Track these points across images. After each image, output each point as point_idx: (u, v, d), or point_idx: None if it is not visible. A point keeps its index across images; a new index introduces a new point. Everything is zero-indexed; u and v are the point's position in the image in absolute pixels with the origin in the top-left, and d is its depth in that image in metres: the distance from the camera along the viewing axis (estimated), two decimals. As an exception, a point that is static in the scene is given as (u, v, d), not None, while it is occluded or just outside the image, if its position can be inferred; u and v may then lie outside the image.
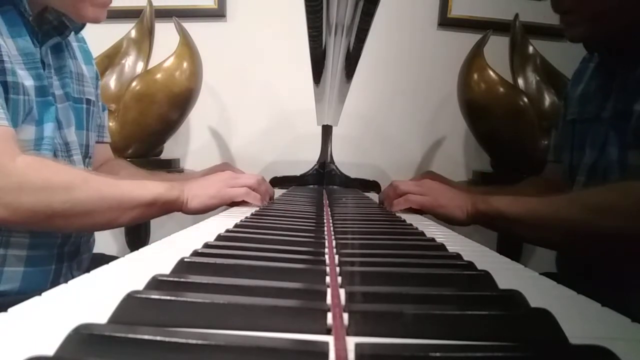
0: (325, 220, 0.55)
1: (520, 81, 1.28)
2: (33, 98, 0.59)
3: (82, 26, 0.72)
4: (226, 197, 0.71)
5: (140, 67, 1.27)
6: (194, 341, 0.17)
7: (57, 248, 0.65)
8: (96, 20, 0.66)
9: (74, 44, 0.73)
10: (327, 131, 1.18)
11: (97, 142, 0.80)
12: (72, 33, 0.70)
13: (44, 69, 0.62)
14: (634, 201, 0.53)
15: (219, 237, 0.39)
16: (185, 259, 0.29)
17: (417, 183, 0.76)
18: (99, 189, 0.59)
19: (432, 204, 0.71)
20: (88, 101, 0.72)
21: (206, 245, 0.36)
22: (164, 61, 1.22)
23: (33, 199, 0.52)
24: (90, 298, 0.26)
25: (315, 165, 1.18)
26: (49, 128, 0.61)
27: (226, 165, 0.89)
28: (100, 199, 0.58)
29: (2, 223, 0.53)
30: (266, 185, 0.78)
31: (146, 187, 0.64)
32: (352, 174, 1.20)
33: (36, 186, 0.53)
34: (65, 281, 0.71)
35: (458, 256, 0.35)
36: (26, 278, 0.61)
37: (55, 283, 0.64)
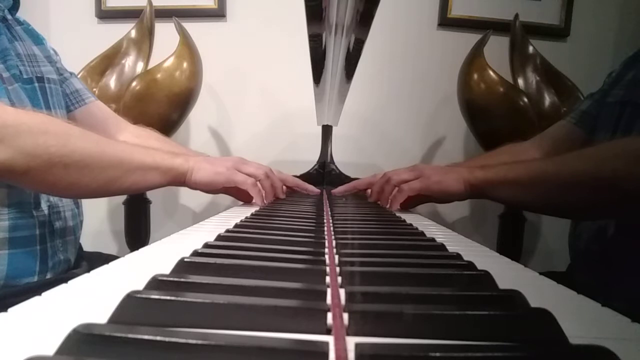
0: (325, 220, 0.55)
1: (520, 81, 1.28)
2: None
3: (15, 5, 0.71)
4: (232, 178, 0.69)
5: (140, 67, 1.27)
6: (194, 341, 0.17)
7: (38, 228, 0.64)
8: None
9: (17, 28, 0.72)
10: (327, 131, 1.18)
11: (79, 108, 0.79)
12: (10, 15, 0.69)
13: None
14: None
15: (219, 237, 0.39)
16: (185, 259, 0.29)
17: (409, 168, 0.75)
18: (97, 143, 0.57)
19: (427, 184, 0.69)
20: (40, 79, 0.70)
21: (206, 245, 0.36)
22: (164, 61, 1.22)
23: (31, 140, 0.51)
24: (90, 298, 0.26)
25: (315, 165, 1.18)
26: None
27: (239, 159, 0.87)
28: (99, 152, 0.57)
29: (4, 169, 0.51)
30: (272, 180, 0.76)
31: (148, 151, 0.63)
32: (352, 174, 1.20)
33: (32, 129, 0.52)
34: (54, 262, 0.70)
35: (458, 256, 0.35)
36: (13, 260, 0.60)
37: (43, 265, 0.64)
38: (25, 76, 0.67)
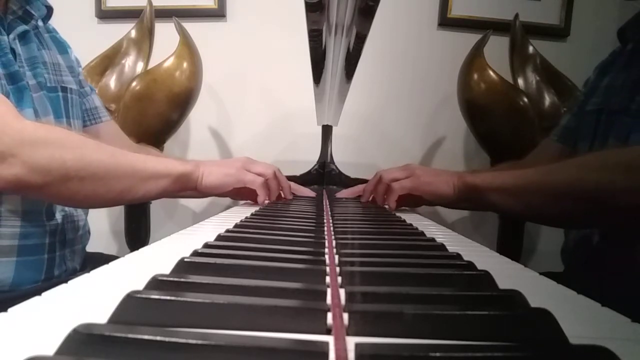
0: (325, 220, 0.55)
1: (520, 81, 1.28)
2: (6, 85, 0.59)
3: (49, 14, 0.73)
4: (241, 178, 0.70)
5: (140, 67, 1.27)
6: (194, 341, 0.17)
7: (48, 237, 0.64)
8: None
9: (46, 35, 0.73)
10: (327, 131, 1.18)
11: (95, 124, 0.80)
12: (42, 23, 0.71)
13: (15, 58, 0.62)
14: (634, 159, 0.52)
15: (219, 237, 0.39)
16: (185, 259, 0.29)
17: (401, 167, 0.75)
18: (113, 154, 0.58)
19: (417, 184, 0.70)
20: (64, 89, 0.71)
21: (206, 245, 0.36)
22: (164, 61, 1.22)
23: (47, 156, 0.51)
24: (90, 298, 0.26)
25: (315, 165, 1.18)
26: (27, 115, 0.61)
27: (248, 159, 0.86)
28: (114, 163, 0.58)
29: (18, 184, 0.51)
30: (277, 181, 0.76)
31: (160, 159, 0.64)
32: (352, 174, 1.20)
33: (49, 143, 0.52)
34: (60, 271, 0.71)
35: (458, 256, 0.35)
36: (19, 268, 0.61)
37: (49, 273, 0.64)
38: (49, 84, 0.69)
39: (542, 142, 0.88)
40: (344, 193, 0.92)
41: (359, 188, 0.91)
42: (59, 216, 0.66)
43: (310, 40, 0.58)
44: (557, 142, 0.83)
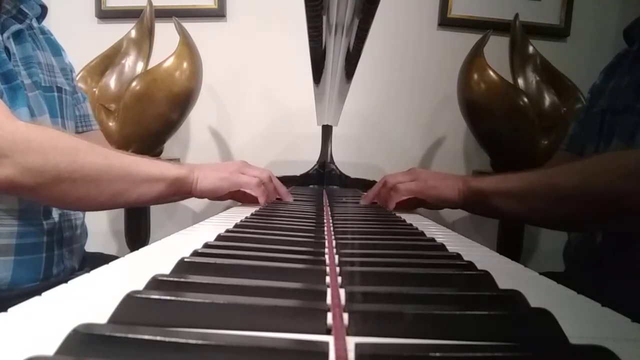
0: (325, 220, 0.55)
1: (520, 81, 1.28)
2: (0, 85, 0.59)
3: (43, 14, 0.73)
4: (236, 181, 0.70)
5: (140, 67, 1.27)
6: (194, 341, 0.17)
7: (45, 236, 0.64)
8: None
9: (40, 37, 0.73)
10: (327, 131, 1.18)
11: (85, 132, 0.80)
12: (36, 24, 0.71)
13: (9, 58, 0.62)
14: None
15: (219, 237, 0.39)
16: (185, 259, 0.29)
17: (405, 172, 0.75)
18: (106, 157, 0.58)
19: (421, 188, 0.69)
20: (59, 89, 0.71)
21: (206, 245, 0.36)
22: (164, 61, 1.22)
23: (41, 158, 0.51)
24: (90, 298, 0.26)
25: (315, 165, 1.18)
26: (22, 114, 0.61)
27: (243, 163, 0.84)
28: (107, 165, 0.57)
29: (10, 185, 0.51)
30: (273, 185, 0.76)
31: (154, 163, 0.63)
32: (352, 174, 1.20)
33: (42, 145, 0.52)
34: (59, 270, 0.71)
35: (458, 256, 0.35)
36: (17, 267, 0.61)
37: (48, 272, 0.64)
38: (44, 84, 0.68)
39: (555, 154, 0.88)
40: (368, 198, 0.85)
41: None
42: (55, 215, 0.66)
43: (310, 40, 0.58)
44: (566, 151, 0.83)
